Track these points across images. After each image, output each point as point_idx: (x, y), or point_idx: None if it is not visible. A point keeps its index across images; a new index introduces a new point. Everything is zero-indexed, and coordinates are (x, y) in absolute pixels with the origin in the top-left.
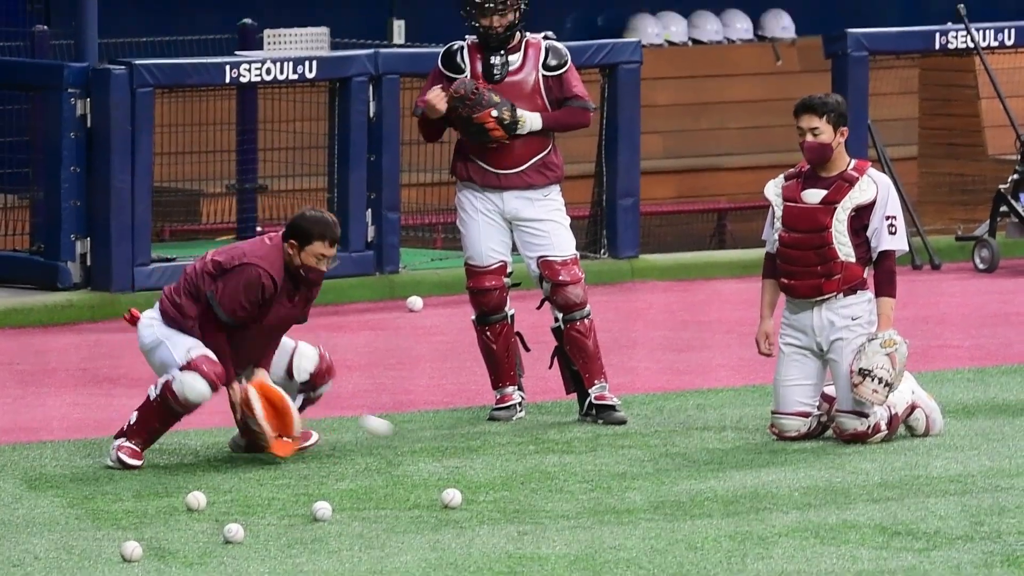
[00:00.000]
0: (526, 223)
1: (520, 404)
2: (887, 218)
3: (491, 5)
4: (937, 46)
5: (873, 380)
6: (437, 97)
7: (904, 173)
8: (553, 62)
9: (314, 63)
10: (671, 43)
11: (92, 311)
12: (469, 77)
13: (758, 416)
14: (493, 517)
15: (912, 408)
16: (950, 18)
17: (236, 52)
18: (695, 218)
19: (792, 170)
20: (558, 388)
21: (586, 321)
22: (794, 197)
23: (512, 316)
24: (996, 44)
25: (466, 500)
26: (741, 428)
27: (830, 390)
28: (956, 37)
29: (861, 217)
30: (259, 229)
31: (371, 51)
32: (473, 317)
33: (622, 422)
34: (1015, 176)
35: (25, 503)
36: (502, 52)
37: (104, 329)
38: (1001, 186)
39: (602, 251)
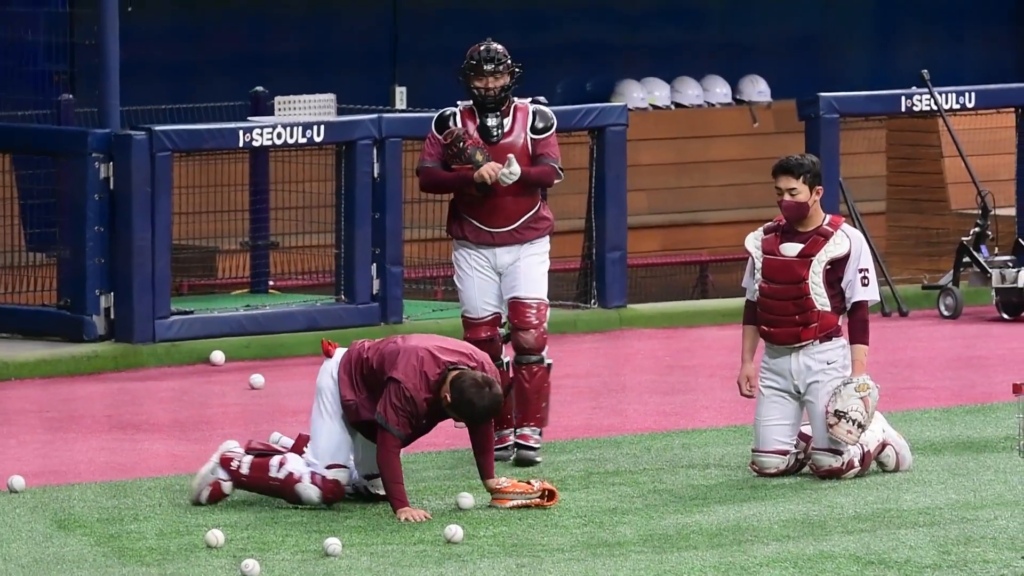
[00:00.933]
0: (509, 267)
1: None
2: (860, 271)
3: (489, 67)
4: (903, 109)
5: (847, 421)
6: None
7: (873, 227)
8: (540, 125)
9: (322, 127)
10: (655, 107)
11: (116, 361)
12: (463, 130)
13: (740, 454)
14: (493, 551)
15: (883, 445)
16: (915, 83)
17: (249, 118)
18: (679, 270)
19: (771, 224)
20: (552, 430)
21: (534, 367)
22: (773, 250)
23: (507, 363)
24: (958, 107)
25: (467, 535)
26: (724, 465)
27: (807, 429)
28: (920, 100)
29: (836, 269)
30: (271, 283)
31: (375, 116)
32: None
33: (531, 462)
34: (976, 229)
35: (55, 541)
36: (497, 114)
37: (127, 378)
38: (964, 238)
39: (592, 301)
